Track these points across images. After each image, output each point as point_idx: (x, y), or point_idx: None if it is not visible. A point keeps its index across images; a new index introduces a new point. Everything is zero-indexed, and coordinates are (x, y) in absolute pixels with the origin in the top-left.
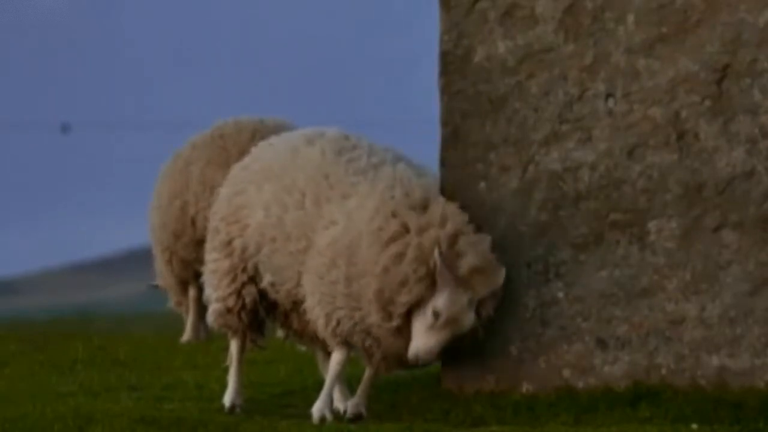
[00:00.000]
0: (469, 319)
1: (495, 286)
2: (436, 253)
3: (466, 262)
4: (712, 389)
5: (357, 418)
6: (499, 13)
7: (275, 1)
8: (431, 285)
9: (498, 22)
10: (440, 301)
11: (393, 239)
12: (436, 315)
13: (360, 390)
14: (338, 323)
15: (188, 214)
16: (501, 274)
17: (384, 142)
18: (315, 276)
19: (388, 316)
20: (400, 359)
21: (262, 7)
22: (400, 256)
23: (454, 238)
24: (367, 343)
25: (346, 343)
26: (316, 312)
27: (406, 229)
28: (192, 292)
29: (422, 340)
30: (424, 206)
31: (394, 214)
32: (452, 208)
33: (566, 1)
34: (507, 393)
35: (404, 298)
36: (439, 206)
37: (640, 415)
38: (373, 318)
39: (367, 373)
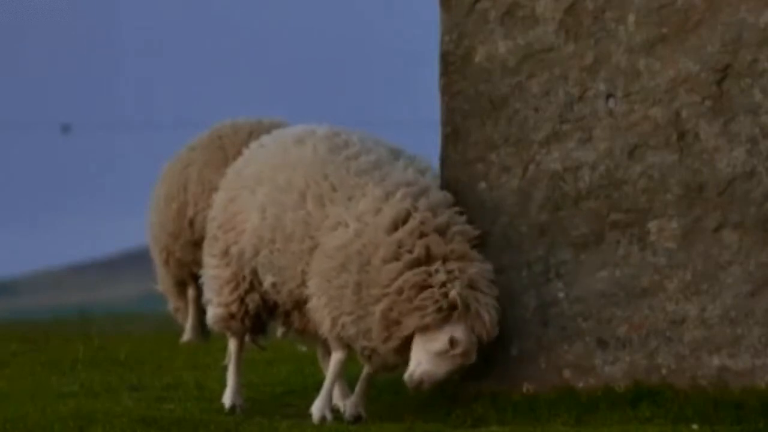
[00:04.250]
0: (474, 354)
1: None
2: (457, 288)
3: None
4: (713, 389)
5: (356, 419)
6: (499, 13)
7: (276, 1)
8: (447, 315)
9: (498, 22)
10: (459, 331)
11: (417, 263)
12: (453, 343)
13: (358, 390)
14: (343, 327)
15: (186, 215)
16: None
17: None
18: (323, 279)
19: (388, 337)
20: (398, 366)
21: (263, 7)
22: (421, 286)
23: (472, 282)
24: (366, 352)
25: (349, 346)
26: (321, 314)
27: (428, 253)
28: (191, 292)
29: (430, 365)
30: (447, 227)
31: (420, 235)
32: (467, 230)
33: (567, 1)
34: (507, 393)
35: (414, 323)
36: (457, 228)
37: (641, 416)
38: (374, 333)
39: (365, 372)
